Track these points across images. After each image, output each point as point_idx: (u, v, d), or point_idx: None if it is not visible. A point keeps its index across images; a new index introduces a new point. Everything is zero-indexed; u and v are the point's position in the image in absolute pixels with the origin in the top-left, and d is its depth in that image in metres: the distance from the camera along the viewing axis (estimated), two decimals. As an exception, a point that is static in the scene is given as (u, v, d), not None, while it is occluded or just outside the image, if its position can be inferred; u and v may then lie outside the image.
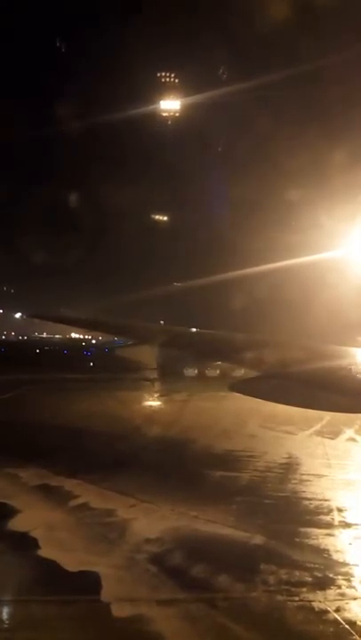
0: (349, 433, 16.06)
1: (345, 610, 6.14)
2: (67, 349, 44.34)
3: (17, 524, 8.75)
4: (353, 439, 15.62)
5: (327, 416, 16.82)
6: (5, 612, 6.38)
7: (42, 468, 11.82)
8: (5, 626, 6.06)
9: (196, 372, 30.07)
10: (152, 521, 8.92)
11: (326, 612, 6.11)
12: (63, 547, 7.86)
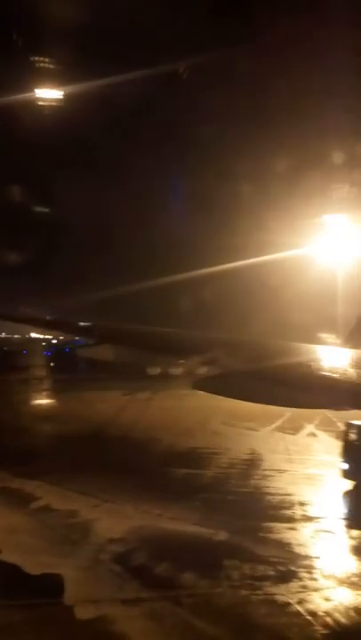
0: (310, 428, 16.37)
1: (307, 602, 6.25)
2: (26, 350, 43.53)
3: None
4: (313, 434, 15.92)
5: (288, 412, 17.10)
6: None
7: (1, 471, 11.59)
8: None
9: (158, 370, 30.04)
10: (115, 521, 8.85)
11: (289, 604, 6.20)
12: (25, 550, 7.71)
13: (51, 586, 6.67)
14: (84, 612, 6.08)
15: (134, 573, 7.00)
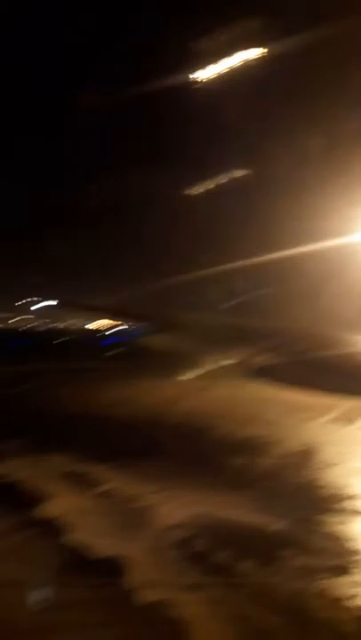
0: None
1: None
2: (83, 339, 44.58)
3: (47, 509, 9.11)
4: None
5: (345, 403, 16.91)
6: (36, 595, 6.68)
7: (66, 456, 12.18)
8: (36, 608, 6.36)
9: (216, 359, 30.20)
10: (175, 507, 9.18)
11: (345, 598, 6.32)
12: (92, 532, 8.17)
13: (115, 567, 7.07)
14: (145, 595, 6.43)
15: (193, 559, 7.31)
